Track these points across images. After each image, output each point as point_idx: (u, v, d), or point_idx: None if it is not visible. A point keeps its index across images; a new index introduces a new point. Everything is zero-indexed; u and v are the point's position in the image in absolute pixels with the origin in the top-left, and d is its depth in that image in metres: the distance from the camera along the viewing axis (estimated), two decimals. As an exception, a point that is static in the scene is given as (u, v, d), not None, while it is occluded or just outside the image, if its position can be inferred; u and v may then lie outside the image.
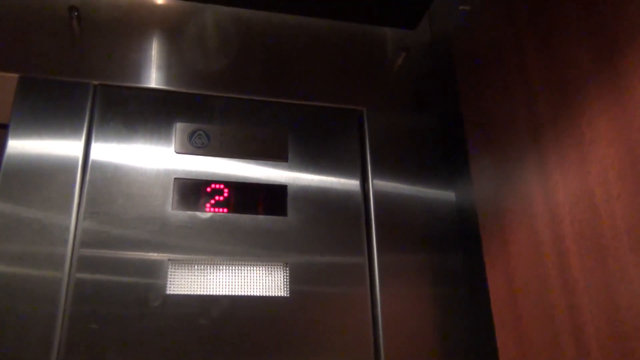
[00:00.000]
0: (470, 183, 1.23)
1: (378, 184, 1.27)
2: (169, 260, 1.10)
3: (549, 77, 0.98)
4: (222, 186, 1.18)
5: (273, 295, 1.13)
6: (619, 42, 0.82)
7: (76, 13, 1.22)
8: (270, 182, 1.22)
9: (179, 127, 1.21)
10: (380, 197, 1.26)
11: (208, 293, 1.10)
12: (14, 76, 1.17)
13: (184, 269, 1.11)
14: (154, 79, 1.25)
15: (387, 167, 1.30)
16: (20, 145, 1.11)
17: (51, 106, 1.16)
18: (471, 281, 1.22)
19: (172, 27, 1.31)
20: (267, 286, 1.14)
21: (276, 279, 1.15)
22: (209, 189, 1.18)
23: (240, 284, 1.12)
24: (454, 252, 1.25)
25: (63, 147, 1.13)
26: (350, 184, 1.26)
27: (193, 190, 1.17)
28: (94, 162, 1.14)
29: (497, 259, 1.11)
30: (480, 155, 1.20)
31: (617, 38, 0.83)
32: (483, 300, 1.15)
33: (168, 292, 1.07)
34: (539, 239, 0.98)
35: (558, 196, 0.94)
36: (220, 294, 1.10)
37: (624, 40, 0.81)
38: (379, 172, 1.29)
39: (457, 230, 1.28)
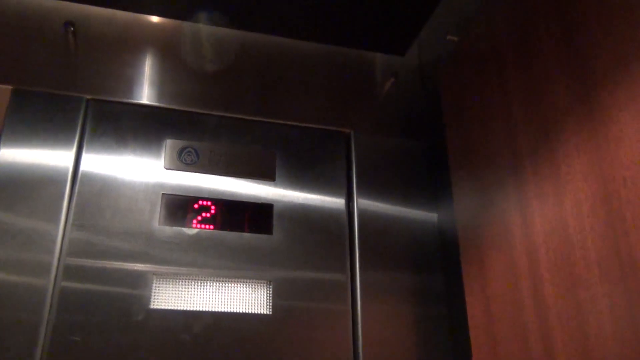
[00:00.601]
0: (452, 208, 1.26)
1: (363, 204, 1.30)
2: (154, 274, 1.11)
3: (529, 111, 1.02)
4: (209, 203, 1.20)
5: (256, 312, 1.15)
6: (595, 81, 0.86)
7: (72, 28, 1.25)
8: (257, 201, 1.24)
9: (169, 143, 1.23)
10: (364, 217, 1.29)
11: (191, 308, 1.11)
12: (7, 88, 1.18)
13: (169, 284, 1.12)
14: (146, 95, 1.27)
15: (372, 188, 1.33)
16: (11, 155, 1.12)
17: (44, 118, 1.18)
18: (450, 302, 1.25)
19: (166, 45, 1.33)
20: (250, 303, 1.15)
21: (259, 297, 1.16)
22: (196, 206, 1.19)
23: (223, 300, 1.14)
24: (435, 273, 1.29)
25: (54, 158, 1.15)
26: (336, 203, 1.29)
27: (180, 206, 1.19)
28: (83, 174, 1.16)
29: (475, 282, 1.13)
30: (462, 181, 1.23)
31: (594, 76, 0.87)
32: (461, 320, 1.17)
33: (152, 306, 1.09)
34: (515, 264, 1.01)
35: (535, 225, 0.97)
36: (204, 309, 1.12)
37: (600, 78, 0.85)
38: (364, 193, 1.32)
39: (438, 252, 1.31)
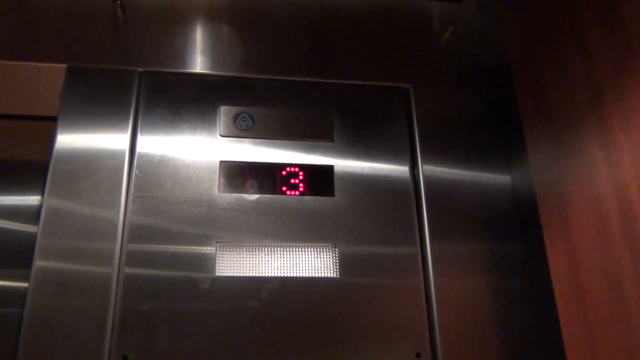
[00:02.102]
0: (526, 161, 1.17)
1: (428, 169, 1.22)
2: (217, 242, 1.09)
3: (609, 37, 0.92)
4: (268, 168, 1.17)
5: (323, 276, 1.11)
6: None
7: (119, 1, 1.24)
8: (317, 163, 1.19)
9: (223, 110, 1.21)
10: (430, 182, 1.21)
11: (257, 274, 1.08)
12: (62, 67, 1.18)
13: (232, 251, 1.10)
14: (198, 63, 1.25)
15: (437, 148, 1.25)
16: (69, 136, 1.12)
17: (98, 94, 1.17)
18: (531, 268, 1.15)
19: (214, 11, 1.30)
20: (316, 267, 1.11)
21: (325, 260, 1.12)
22: (255, 171, 1.16)
23: (289, 265, 1.10)
24: (512, 240, 1.19)
25: (110, 134, 1.14)
26: (399, 167, 1.22)
27: (239, 173, 1.16)
28: (140, 148, 1.14)
29: (557, 235, 1.05)
30: (536, 130, 1.14)
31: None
32: (544, 284, 1.08)
33: (217, 273, 1.06)
34: (603, 208, 0.92)
35: (623, 161, 0.88)
36: (269, 275, 1.09)
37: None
38: (429, 154, 1.24)
39: (514, 216, 1.21)
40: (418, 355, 1.08)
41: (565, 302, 1.02)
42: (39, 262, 1.03)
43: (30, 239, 1.06)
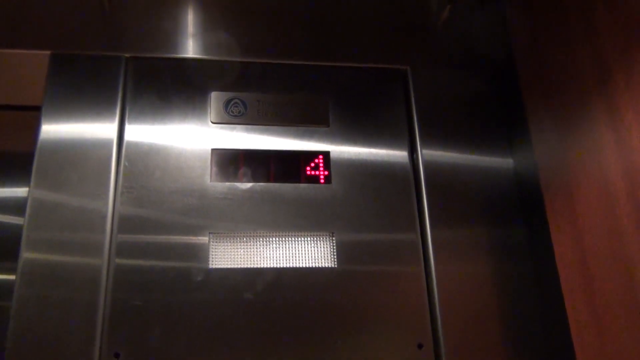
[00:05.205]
0: (529, 143, 1.12)
1: (428, 154, 1.18)
2: (210, 233, 1.05)
3: (617, 11, 0.87)
4: (261, 155, 1.13)
5: (320, 266, 1.07)
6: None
7: (104, -15, 1.19)
8: (312, 149, 1.15)
9: (214, 96, 1.16)
10: (430, 167, 1.17)
11: (252, 266, 1.05)
12: (46, 53, 1.14)
13: (226, 242, 1.06)
14: (187, 48, 1.20)
15: (437, 132, 1.20)
16: (54, 126, 1.08)
17: (83, 82, 1.13)
18: (535, 254, 1.11)
19: (202, -6, 1.25)
20: (313, 257, 1.07)
21: (323, 249, 1.08)
22: (248, 159, 1.12)
23: (285, 255, 1.07)
24: (515, 224, 1.15)
25: (97, 124, 1.10)
26: (398, 151, 1.18)
27: (231, 161, 1.12)
28: (128, 136, 1.10)
29: (563, 220, 1.01)
30: (540, 112, 1.10)
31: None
32: (549, 271, 1.05)
33: (211, 266, 1.03)
34: (611, 190, 0.88)
35: (632, 140, 0.84)
36: (265, 266, 1.05)
37: None
38: (428, 138, 1.19)
39: (517, 200, 1.17)
40: (420, 346, 1.04)
41: (571, 288, 0.98)
42: (26, 254, 0.99)
43: (18, 230, 1.02)
